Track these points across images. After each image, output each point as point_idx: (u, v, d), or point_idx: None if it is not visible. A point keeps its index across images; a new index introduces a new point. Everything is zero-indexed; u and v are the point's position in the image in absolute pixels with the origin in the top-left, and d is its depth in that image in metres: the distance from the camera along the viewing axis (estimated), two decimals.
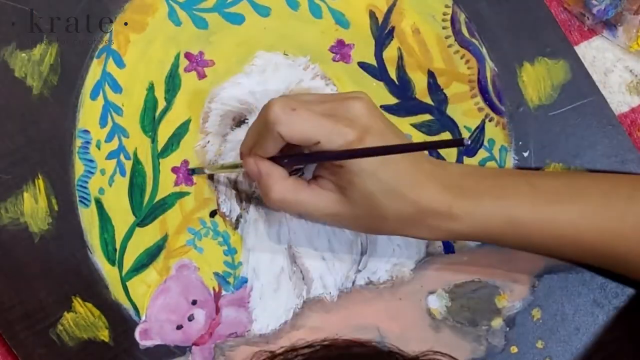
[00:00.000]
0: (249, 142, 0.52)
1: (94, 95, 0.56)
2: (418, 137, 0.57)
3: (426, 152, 0.54)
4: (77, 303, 0.55)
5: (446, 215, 0.50)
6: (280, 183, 0.50)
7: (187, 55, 0.57)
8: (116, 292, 0.56)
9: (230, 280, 0.57)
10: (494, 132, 0.58)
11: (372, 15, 0.58)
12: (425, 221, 0.50)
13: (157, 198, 0.56)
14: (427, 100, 0.58)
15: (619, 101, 0.59)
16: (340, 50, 0.57)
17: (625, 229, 0.51)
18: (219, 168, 0.56)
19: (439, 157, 0.57)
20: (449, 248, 0.58)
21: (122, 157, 0.56)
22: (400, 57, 0.58)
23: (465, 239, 0.55)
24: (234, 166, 0.55)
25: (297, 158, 0.51)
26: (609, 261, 0.53)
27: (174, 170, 0.56)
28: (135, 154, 0.56)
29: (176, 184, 0.56)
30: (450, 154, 0.58)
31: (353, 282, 0.57)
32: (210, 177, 0.57)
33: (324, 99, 0.50)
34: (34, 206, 0.55)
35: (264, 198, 0.51)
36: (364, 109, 0.49)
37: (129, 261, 0.56)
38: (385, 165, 0.48)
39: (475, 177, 0.52)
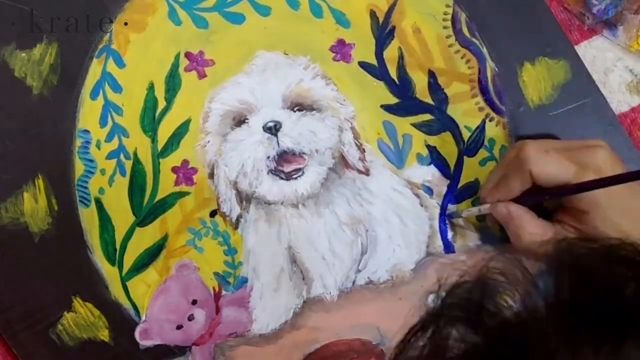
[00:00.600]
0: (490, 185, 0.53)
1: (93, 95, 0.56)
2: (418, 136, 0.57)
3: None
4: (77, 303, 0.55)
5: None
6: (532, 224, 0.52)
7: (187, 55, 0.56)
8: (116, 292, 0.56)
9: (231, 280, 0.57)
10: (495, 131, 0.58)
11: (373, 14, 0.58)
12: None
13: (157, 198, 0.56)
14: (428, 99, 0.58)
15: (619, 101, 0.59)
16: (341, 49, 0.57)
17: None
18: (467, 214, 0.57)
19: (439, 157, 0.57)
20: (449, 248, 0.58)
21: (122, 157, 0.56)
22: (401, 57, 0.58)
23: None
24: (478, 209, 0.55)
25: (543, 193, 0.51)
26: None
27: (174, 170, 0.56)
28: (135, 154, 0.56)
29: (176, 183, 0.56)
30: (450, 153, 0.58)
31: (353, 282, 0.57)
32: (211, 176, 0.57)
33: (570, 145, 0.52)
34: (33, 206, 0.55)
35: (515, 239, 0.52)
36: (608, 157, 0.50)
37: (129, 261, 0.56)
38: (627, 215, 0.50)
39: None
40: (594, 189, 0.49)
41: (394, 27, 0.57)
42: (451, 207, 0.58)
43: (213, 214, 0.57)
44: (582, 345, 0.30)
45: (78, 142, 0.56)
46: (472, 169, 0.58)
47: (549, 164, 0.50)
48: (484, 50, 0.58)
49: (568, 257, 0.34)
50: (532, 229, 0.52)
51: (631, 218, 0.50)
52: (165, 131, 0.56)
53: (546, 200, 0.53)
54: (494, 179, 0.53)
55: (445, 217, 0.58)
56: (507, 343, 0.32)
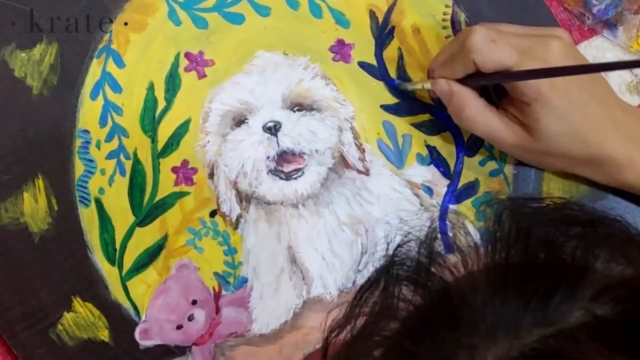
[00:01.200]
0: (440, 60, 0.53)
1: (93, 95, 0.56)
2: (418, 136, 0.57)
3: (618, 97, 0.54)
4: (77, 303, 0.55)
5: (625, 166, 0.51)
6: (473, 102, 0.52)
7: (187, 55, 0.56)
8: (116, 292, 0.56)
9: (230, 280, 0.57)
10: None
11: (372, 14, 0.58)
12: (601, 167, 0.52)
13: (157, 198, 0.56)
14: (427, 99, 0.58)
15: None
16: (341, 49, 0.57)
17: None
18: (405, 88, 0.57)
19: (439, 157, 0.57)
20: (449, 248, 0.57)
21: (122, 157, 0.56)
22: (401, 57, 0.58)
23: (636, 191, 0.55)
24: (421, 86, 0.56)
25: (486, 77, 0.51)
26: None
27: (174, 170, 0.56)
28: (135, 154, 0.56)
29: (176, 183, 0.56)
30: (450, 153, 0.58)
31: (353, 282, 0.57)
32: (211, 176, 0.57)
33: (524, 32, 0.51)
34: (33, 206, 0.55)
35: (454, 117, 0.53)
36: (562, 51, 0.49)
37: (128, 261, 0.56)
38: (574, 108, 0.49)
39: None
40: (529, 78, 0.48)
41: (393, 27, 0.57)
42: (451, 207, 0.58)
43: (213, 214, 0.57)
44: (510, 303, 0.30)
45: (78, 142, 0.56)
46: (472, 169, 0.58)
47: (494, 55, 0.49)
48: None
49: (509, 217, 0.33)
50: (473, 106, 0.51)
51: (578, 111, 0.50)
52: (165, 131, 0.56)
53: (486, 84, 0.53)
54: (445, 54, 0.53)
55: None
56: (446, 307, 0.32)
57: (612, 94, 0.53)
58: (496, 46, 0.49)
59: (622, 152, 0.51)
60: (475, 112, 0.51)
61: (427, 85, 0.55)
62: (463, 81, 0.52)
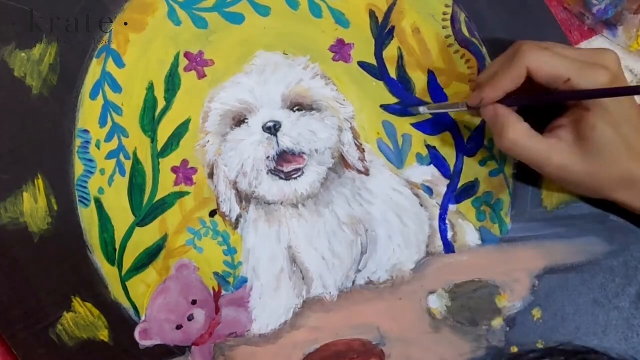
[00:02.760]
0: (489, 75, 0.52)
1: (93, 95, 0.56)
2: (418, 136, 0.57)
3: None
4: (77, 303, 0.55)
5: None
6: (516, 126, 0.51)
7: (187, 55, 0.56)
8: (116, 292, 0.56)
9: (230, 280, 0.57)
10: None
11: (372, 14, 0.58)
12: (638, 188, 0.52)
13: (157, 198, 0.56)
14: (428, 99, 0.58)
15: None
16: (340, 49, 0.57)
17: None
18: (438, 107, 0.56)
19: (439, 157, 0.57)
20: (449, 248, 0.57)
21: (121, 156, 0.56)
22: (401, 57, 0.58)
23: None
24: (454, 106, 0.55)
25: (531, 98, 0.51)
26: None
27: (174, 170, 0.56)
28: (135, 154, 0.56)
29: (176, 183, 0.56)
30: (450, 153, 0.58)
31: (353, 282, 0.57)
32: (211, 176, 0.57)
33: (574, 49, 0.52)
34: (33, 206, 0.55)
35: (496, 139, 0.52)
36: (617, 61, 0.50)
37: (128, 261, 0.56)
38: (627, 119, 0.50)
39: None
40: (580, 98, 0.49)
41: (393, 27, 0.57)
42: (451, 207, 0.58)
43: (213, 214, 0.57)
44: None
45: (78, 142, 0.56)
46: (472, 169, 0.58)
47: (548, 59, 0.49)
48: (484, 50, 0.58)
49: None
50: (515, 129, 0.51)
51: (630, 124, 0.50)
52: (165, 131, 0.56)
53: (532, 104, 0.52)
54: (492, 68, 0.53)
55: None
56: None
57: None
58: (549, 51, 0.50)
59: None
60: (519, 135, 0.51)
61: (464, 108, 0.54)
62: (507, 103, 0.52)
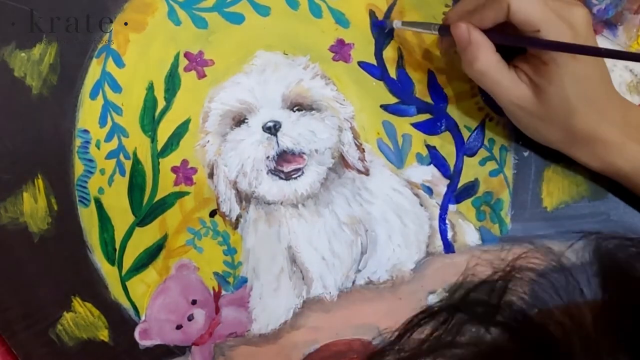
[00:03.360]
0: (467, 6, 0.52)
1: (93, 95, 0.56)
2: (418, 136, 0.57)
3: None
4: (77, 303, 0.55)
5: (616, 150, 0.52)
6: (488, 55, 0.51)
7: (187, 55, 0.56)
8: (116, 292, 0.56)
9: (230, 280, 0.57)
10: (495, 131, 0.58)
11: (372, 14, 0.58)
12: (594, 147, 0.52)
13: (157, 198, 0.56)
14: (427, 99, 0.58)
15: None
16: (340, 49, 0.57)
17: None
18: (411, 25, 0.55)
19: (439, 157, 0.57)
20: (449, 248, 0.57)
21: (121, 156, 0.56)
22: (400, 57, 0.57)
23: (622, 180, 0.55)
24: (427, 26, 0.54)
25: (513, 38, 0.51)
26: None
27: (174, 169, 0.56)
28: (134, 154, 0.56)
29: (176, 183, 0.56)
30: (450, 153, 0.58)
31: (353, 282, 0.57)
32: (210, 176, 0.57)
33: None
34: (33, 206, 0.55)
35: (465, 66, 0.52)
36: (586, 19, 0.50)
37: (128, 261, 0.56)
38: (587, 79, 0.50)
39: None
40: (555, 49, 0.49)
41: (393, 27, 0.57)
42: (451, 207, 0.58)
43: (213, 213, 0.57)
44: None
45: (78, 141, 0.56)
46: (472, 169, 0.58)
47: (529, 3, 0.49)
48: None
49: (609, 261, 0.33)
50: (486, 59, 0.51)
51: (589, 84, 0.50)
52: (164, 131, 0.56)
53: (507, 44, 0.52)
54: (470, 3, 0.52)
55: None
56: (538, 344, 0.30)
57: (612, 83, 0.54)
58: None
59: (617, 135, 0.51)
60: (488, 65, 0.51)
61: (435, 31, 0.53)
62: (489, 36, 0.51)
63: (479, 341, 0.32)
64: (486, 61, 0.51)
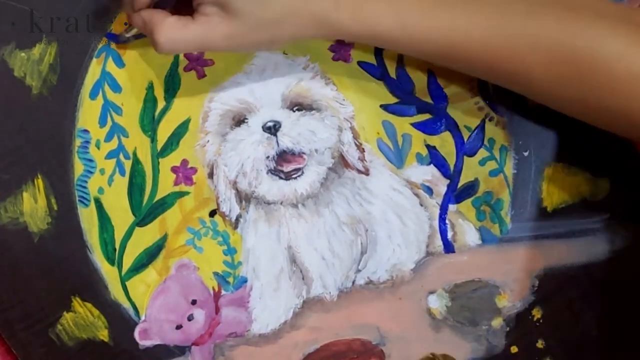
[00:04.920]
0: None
1: (93, 95, 0.56)
2: (417, 136, 0.57)
3: None
4: (77, 303, 0.55)
5: (331, 6, 0.49)
6: (162, 23, 0.49)
7: (187, 55, 0.56)
8: (115, 291, 0.56)
9: (230, 280, 0.57)
10: (494, 131, 0.58)
11: None
12: (309, 9, 0.49)
13: (157, 198, 0.56)
14: (427, 99, 0.58)
15: None
16: (340, 49, 0.57)
17: (521, 48, 0.48)
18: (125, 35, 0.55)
19: (439, 157, 0.57)
20: (449, 248, 0.57)
21: (121, 156, 0.56)
22: (400, 57, 0.57)
23: (351, 39, 0.53)
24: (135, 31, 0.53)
25: None
26: (507, 80, 0.51)
27: (174, 169, 0.56)
28: (134, 154, 0.56)
29: (176, 183, 0.56)
30: (450, 153, 0.57)
31: (353, 282, 0.57)
32: (210, 176, 0.57)
33: None
34: (33, 206, 0.55)
35: (155, 48, 0.50)
36: None
37: (128, 261, 0.56)
38: None
39: None
40: None
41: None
42: (451, 207, 0.58)
43: (212, 213, 0.57)
44: None
45: (77, 141, 0.56)
46: (472, 169, 0.58)
47: None
48: None
49: None
50: (163, 27, 0.49)
51: None
52: (164, 131, 0.56)
53: None
54: None
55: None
56: None
57: None
58: None
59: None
60: (170, 32, 0.49)
61: (132, 32, 0.53)
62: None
63: None
64: (163, 29, 0.49)
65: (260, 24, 0.49)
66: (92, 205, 0.56)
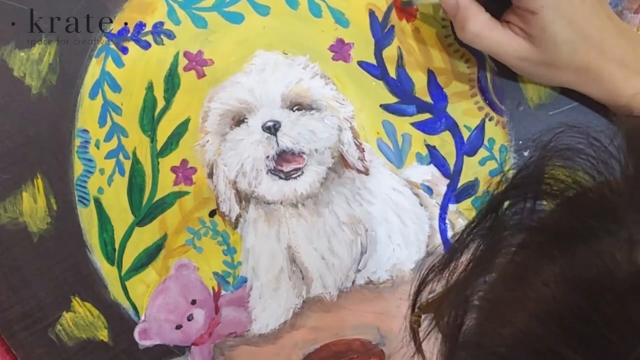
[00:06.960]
0: None
1: (93, 95, 0.56)
2: (417, 136, 0.57)
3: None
4: (76, 303, 0.55)
5: (620, 82, 0.52)
6: (478, 17, 0.52)
7: (186, 55, 0.56)
8: (115, 291, 0.56)
9: (230, 279, 0.57)
10: (494, 131, 0.58)
11: (372, 14, 0.57)
12: (601, 82, 0.52)
13: (157, 197, 0.56)
14: (427, 99, 0.57)
15: None
16: (340, 49, 0.57)
17: None
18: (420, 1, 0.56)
19: (439, 157, 0.57)
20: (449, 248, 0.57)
21: (121, 156, 0.56)
22: (400, 56, 0.57)
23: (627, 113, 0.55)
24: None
25: None
26: None
27: (173, 169, 0.56)
28: (134, 154, 0.56)
29: (175, 183, 0.56)
30: (450, 152, 0.57)
31: (353, 282, 0.57)
32: (210, 176, 0.57)
33: None
34: (32, 206, 0.55)
35: (459, 32, 0.53)
36: None
37: (128, 261, 0.56)
38: (579, 14, 0.50)
39: None
40: None
41: (393, 27, 0.57)
42: (451, 207, 0.58)
43: (212, 213, 0.57)
44: None
45: (77, 141, 0.56)
46: (471, 169, 0.57)
47: None
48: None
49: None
50: (477, 21, 0.52)
51: (582, 18, 0.51)
52: (164, 131, 0.56)
53: None
54: None
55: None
56: (599, 203, 0.31)
57: (608, 7, 0.54)
58: None
59: (619, 69, 0.52)
60: (480, 26, 0.52)
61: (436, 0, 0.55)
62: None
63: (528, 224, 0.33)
64: (477, 22, 0.52)
65: (555, 65, 0.52)
66: (92, 205, 0.56)
